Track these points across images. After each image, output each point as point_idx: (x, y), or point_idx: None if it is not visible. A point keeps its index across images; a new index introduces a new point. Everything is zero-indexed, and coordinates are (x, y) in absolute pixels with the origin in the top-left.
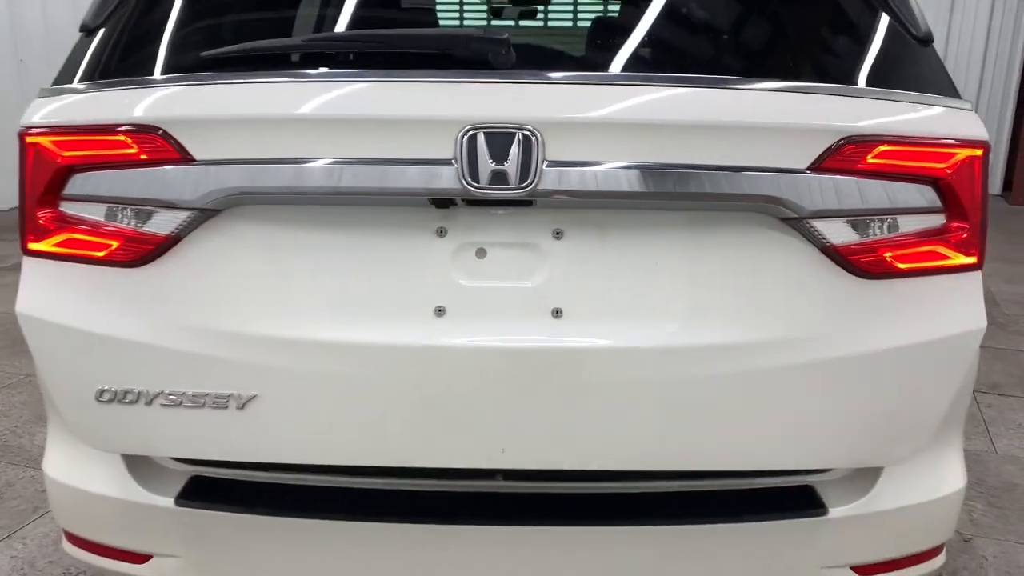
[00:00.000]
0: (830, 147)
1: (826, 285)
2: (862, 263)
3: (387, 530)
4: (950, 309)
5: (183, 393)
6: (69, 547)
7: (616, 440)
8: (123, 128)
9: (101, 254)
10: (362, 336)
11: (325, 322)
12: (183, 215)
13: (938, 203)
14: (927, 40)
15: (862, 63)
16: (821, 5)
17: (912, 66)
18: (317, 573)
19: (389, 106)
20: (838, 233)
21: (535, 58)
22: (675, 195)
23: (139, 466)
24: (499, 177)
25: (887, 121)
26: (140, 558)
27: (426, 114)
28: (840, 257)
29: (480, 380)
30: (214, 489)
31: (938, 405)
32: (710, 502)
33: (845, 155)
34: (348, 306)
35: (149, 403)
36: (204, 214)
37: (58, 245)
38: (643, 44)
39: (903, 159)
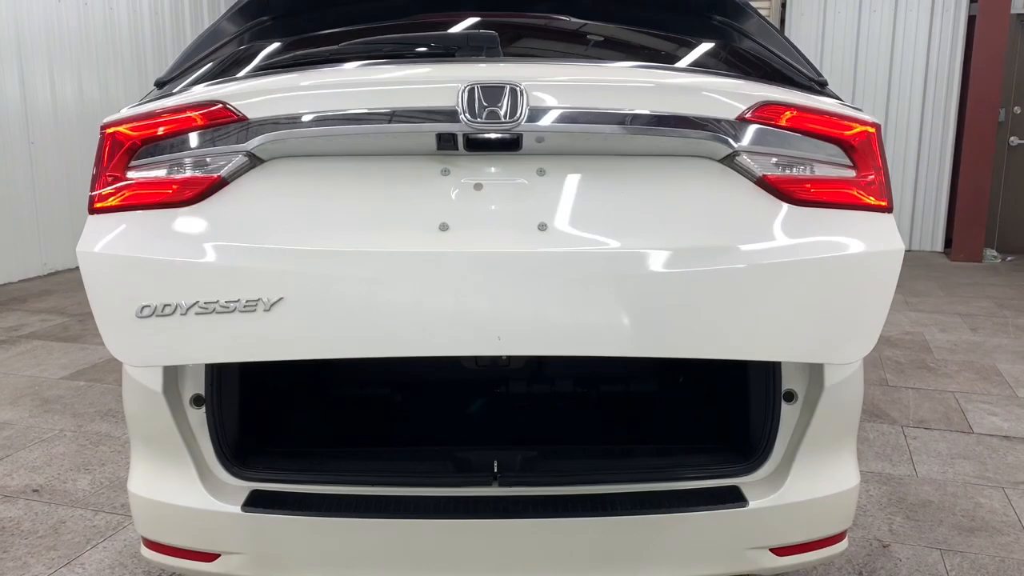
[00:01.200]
0: (751, 106)
1: (764, 207)
2: (789, 191)
3: (407, 524)
4: (871, 234)
5: (215, 301)
6: (147, 552)
7: (590, 327)
8: (191, 106)
9: (157, 201)
10: (379, 246)
11: (350, 237)
12: (234, 160)
13: (847, 159)
14: (823, 84)
15: (783, 79)
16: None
17: (818, 92)
18: (354, 559)
19: (410, 77)
20: (766, 168)
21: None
22: (629, 131)
23: (212, 482)
24: (492, 115)
25: (795, 97)
26: (210, 557)
27: (436, 77)
28: (770, 186)
29: (478, 279)
30: (271, 498)
31: (871, 311)
32: (661, 498)
33: (763, 112)
34: (369, 225)
35: (184, 313)
36: (252, 161)
37: (122, 201)
38: (613, 43)
39: (811, 123)
